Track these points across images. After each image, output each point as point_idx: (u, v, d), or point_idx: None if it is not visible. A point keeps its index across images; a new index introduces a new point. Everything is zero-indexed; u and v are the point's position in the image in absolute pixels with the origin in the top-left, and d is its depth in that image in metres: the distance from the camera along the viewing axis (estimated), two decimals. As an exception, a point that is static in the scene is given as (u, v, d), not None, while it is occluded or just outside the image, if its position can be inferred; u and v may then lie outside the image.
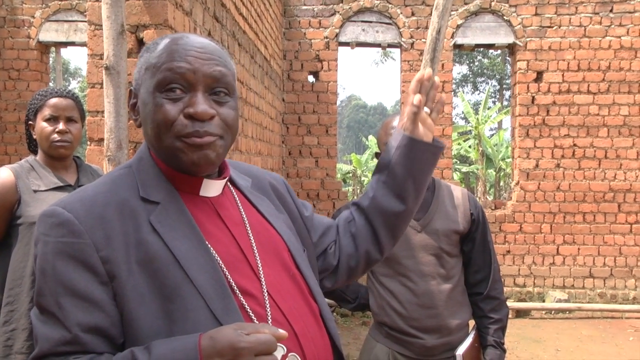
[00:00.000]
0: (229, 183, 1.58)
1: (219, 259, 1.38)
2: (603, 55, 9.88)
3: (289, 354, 1.35)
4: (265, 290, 1.41)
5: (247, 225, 1.51)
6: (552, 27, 9.91)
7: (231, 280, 1.37)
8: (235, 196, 1.57)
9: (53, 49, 10.76)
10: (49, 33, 9.85)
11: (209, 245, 1.39)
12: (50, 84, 11.90)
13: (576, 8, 9.88)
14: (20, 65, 9.78)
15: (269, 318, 1.37)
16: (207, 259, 1.36)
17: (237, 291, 1.37)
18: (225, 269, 1.38)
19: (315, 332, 1.47)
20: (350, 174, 21.47)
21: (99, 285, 1.29)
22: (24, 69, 9.78)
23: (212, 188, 1.50)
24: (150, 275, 1.31)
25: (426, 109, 1.73)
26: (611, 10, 9.88)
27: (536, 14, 9.91)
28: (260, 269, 1.44)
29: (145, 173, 1.45)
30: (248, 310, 1.36)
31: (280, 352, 1.30)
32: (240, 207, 1.55)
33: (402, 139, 1.71)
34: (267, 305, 1.39)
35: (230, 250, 1.43)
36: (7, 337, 2.75)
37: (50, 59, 11.36)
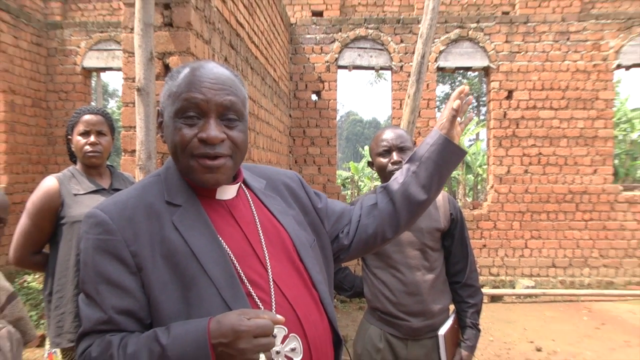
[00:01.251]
0: (243, 185, 1.60)
1: (230, 253, 1.42)
2: (562, 77, 9.95)
3: (290, 335, 1.39)
4: (271, 280, 1.43)
5: (258, 224, 1.53)
6: (520, 52, 9.95)
7: (240, 272, 1.40)
8: (249, 197, 1.59)
9: (94, 73, 10.86)
10: (92, 60, 10.10)
11: (222, 242, 1.43)
12: (92, 104, 11.97)
13: (540, 37, 9.95)
14: (67, 88, 10.02)
15: (273, 304, 1.40)
16: (220, 253, 1.40)
17: (246, 281, 1.40)
18: (235, 262, 1.41)
19: (316, 316, 1.49)
20: (349, 180, 21.47)
21: (129, 275, 1.35)
22: (71, 91, 10.02)
23: (226, 192, 1.53)
24: (171, 267, 1.36)
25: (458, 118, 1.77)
26: (568, 39, 9.96)
27: (507, 42, 9.95)
28: (268, 261, 1.46)
29: (171, 181, 1.49)
30: (255, 297, 1.39)
31: (281, 332, 1.36)
32: (253, 208, 1.56)
33: (439, 138, 1.73)
34: (272, 293, 1.42)
35: (241, 246, 1.46)
36: (58, 319, 2.78)
37: (92, 82, 11.43)
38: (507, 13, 10.48)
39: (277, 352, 1.36)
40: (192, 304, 1.34)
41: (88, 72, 10.36)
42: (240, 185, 1.58)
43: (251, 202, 1.58)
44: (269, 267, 1.45)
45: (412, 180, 1.74)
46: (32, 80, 9.59)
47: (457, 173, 19.54)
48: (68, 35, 10.05)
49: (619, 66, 10.10)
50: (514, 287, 9.69)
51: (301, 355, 1.39)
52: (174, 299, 1.34)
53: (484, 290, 9.15)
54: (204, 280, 1.35)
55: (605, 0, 10.55)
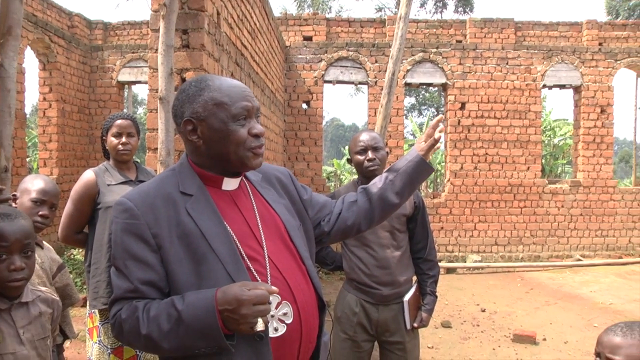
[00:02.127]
0: (244, 179, 1.58)
1: (233, 234, 1.41)
2: (503, 93, 10.01)
3: (283, 301, 1.39)
4: (266, 256, 1.43)
5: (256, 210, 1.51)
6: (471, 72, 9.97)
7: (241, 249, 1.40)
8: (249, 188, 1.57)
9: (127, 86, 10.87)
10: (124, 75, 10.19)
11: (227, 225, 1.42)
12: (124, 110, 12.01)
13: (485, 61, 10.01)
14: (105, 97, 10.16)
15: (269, 276, 1.40)
16: (224, 235, 1.39)
17: (246, 257, 1.40)
18: (237, 242, 1.41)
19: (304, 285, 1.49)
20: (333, 174, 21.42)
21: (151, 252, 1.36)
22: (108, 100, 10.17)
23: (230, 184, 1.51)
24: (185, 246, 1.37)
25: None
26: (507, 64, 10.05)
27: (460, 64, 9.96)
28: (264, 241, 1.45)
29: (184, 174, 1.47)
30: (253, 270, 1.39)
31: (275, 299, 1.38)
32: (252, 197, 1.55)
33: (416, 157, 1.73)
34: (268, 267, 1.42)
35: (241, 228, 1.45)
36: (94, 286, 2.76)
37: (125, 93, 11.48)
38: (460, 41, 10.47)
39: (272, 316, 1.36)
40: (203, 277, 1.35)
41: (122, 85, 10.43)
42: (241, 178, 1.55)
43: (250, 193, 1.56)
44: (264, 246, 1.44)
45: (388, 187, 1.73)
46: (78, 92, 9.74)
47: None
48: (107, 55, 10.16)
49: (544, 86, 10.26)
50: (465, 261, 9.72)
51: (292, 318, 1.39)
52: (187, 272, 1.35)
53: (442, 264, 9.16)
54: (212, 257, 1.35)
55: (533, 35, 10.63)
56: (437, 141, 1.72)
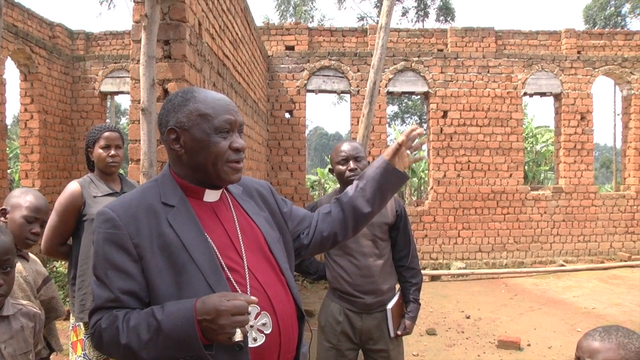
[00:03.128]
0: (225, 191, 1.58)
1: (213, 245, 1.42)
2: (485, 101, 10.12)
3: (261, 312, 1.40)
4: (246, 267, 1.44)
5: (236, 222, 1.52)
6: (452, 81, 10.07)
7: (221, 260, 1.40)
8: (229, 200, 1.58)
9: (109, 96, 10.82)
10: (107, 85, 10.14)
11: (207, 236, 1.42)
12: (107, 121, 11.98)
13: (467, 69, 10.13)
14: (87, 108, 10.10)
15: (248, 287, 1.41)
16: (205, 246, 1.40)
17: (225, 268, 1.40)
18: (217, 253, 1.41)
19: (283, 296, 1.49)
20: (317, 182, 21.43)
21: (132, 262, 1.36)
22: (90, 110, 10.10)
23: (211, 195, 1.52)
24: (166, 256, 1.37)
25: (408, 151, 1.74)
26: (488, 72, 10.18)
27: (442, 72, 10.06)
28: (244, 252, 1.46)
29: (166, 185, 1.48)
30: (233, 281, 1.39)
31: (254, 310, 1.38)
32: (232, 209, 1.56)
33: (383, 162, 1.71)
34: (247, 278, 1.42)
35: (222, 240, 1.45)
36: (81, 298, 2.75)
37: (108, 103, 11.40)
38: (441, 50, 10.56)
39: (251, 326, 1.36)
40: (183, 287, 1.35)
41: (104, 96, 10.37)
42: (222, 190, 1.56)
43: (231, 205, 1.57)
44: (244, 257, 1.45)
45: (359, 195, 1.72)
46: (60, 102, 9.67)
47: (404, 177, 19.68)
48: (89, 65, 10.12)
49: (525, 94, 10.39)
50: (449, 268, 9.75)
51: (271, 329, 1.40)
52: (168, 283, 1.35)
53: (426, 271, 9.21)
54: (193, 268, 1.36)
55: (514, 43, 10.77)
56: (399, 145, 1.71)
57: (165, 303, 1.31)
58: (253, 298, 1.30)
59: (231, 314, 1.24)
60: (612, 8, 25.93)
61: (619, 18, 25.95)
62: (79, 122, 9.97)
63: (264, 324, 1.39)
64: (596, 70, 10.38)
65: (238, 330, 1.25)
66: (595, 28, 24.52)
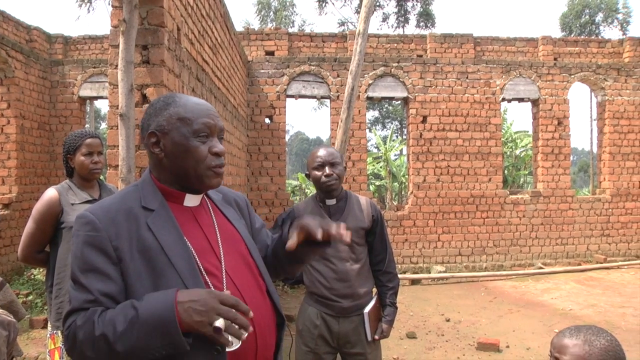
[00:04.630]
0: (205, 197, 1.60)
1: (192, 249, 1.42)
2: (464, 106, 10.22)
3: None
4: (224, 271, 1.45)
5: (216, 227, 1.54)
6: (432, 86, 10.16)
7: (200, 264, 1.41)
8: (209, 206, 1.59)
9: (89, 101, 10.70)
10: (86, 90, 10.05)
11: (186, 240, 1.43)
12: (87, 126, 11.88)
13: (446, 75, 10.22)
14: (66, 113, 9.99)
15: (225, 290, 1.41)
16: (184, 250, 1.41)
17: (204, 272, 1.41)
18: (196, 257, 1.42)
19: (261, 300, 1.51)
20: (298, 187, 21.42)
21: (111, 265, 1.36)
22: (69, 115, 9.99)
23: (191, 200, 1.53)
24: (145, 260, 1.37)
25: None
26: (467, 78, 10.28)
27: (421, 78, 10.14)
28: (222, 256, 1.47)
29: (147, 189, 1.49)
30: (211, 285, 1.40)
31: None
32: (212, 214, 1.57)
33: (281, 249, 1.64)
34: (225, 281, 1.44)
35: (201, 244, 1.46)
36: (57, 306, 2.73)
37: (87, 108, 11.31)
38: (420, 56, 10.66)
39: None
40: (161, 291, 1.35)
41: (83, 100, 10.27)
42: (202, 196, 1.58)
43: (211, 210, 1.58)
44: (222, 261, 1.47)
45: (278, 247, 1.69)
46: (38, 107, 9.54)
47: (386, 182, 19.74)
48: (67, 70, 10.00)
49: (503, 99, 10.50)
50: (429, 272, 9.80)
51: (246, 334, 1.38)
52: (146, 286, 1.35)
53: (406, 275, 9.27)
54: (171, 271, 1.36)
55: (492, 50, 10.93)
56: (292, 249, 1.53)
57: (146, 295, 1.32)
58: (244, 306, 1.30)
59: (219, 300, 1.26)
60: (587, 17, 26.42)
61: (593, 26, 26.47)
62: (58, 127, 9.85)
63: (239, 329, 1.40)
64: (572, 76, 10.56)
65: (221, 319, 1.25)
66: (571, 35, 24.94)
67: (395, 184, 19.93)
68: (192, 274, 1.38)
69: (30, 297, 7.25)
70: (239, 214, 1.69)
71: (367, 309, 2.78)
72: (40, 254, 2.87)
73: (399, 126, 30.70)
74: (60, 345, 2.75)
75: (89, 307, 1.33)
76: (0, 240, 8.12)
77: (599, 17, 26.44)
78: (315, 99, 10.37)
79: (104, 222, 1.39)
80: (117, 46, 3.64)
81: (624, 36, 15.56)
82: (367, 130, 10.41)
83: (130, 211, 1.42)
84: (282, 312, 1.58)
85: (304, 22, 30.90)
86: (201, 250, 1.44)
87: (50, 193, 2.82)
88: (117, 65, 3.65)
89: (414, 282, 9.13)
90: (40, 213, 2.78)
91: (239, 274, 1.49)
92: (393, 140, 20.41)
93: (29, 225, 2.81)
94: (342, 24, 26.99)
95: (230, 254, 1.50)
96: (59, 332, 2.75)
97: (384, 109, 31.03)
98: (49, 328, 2.82)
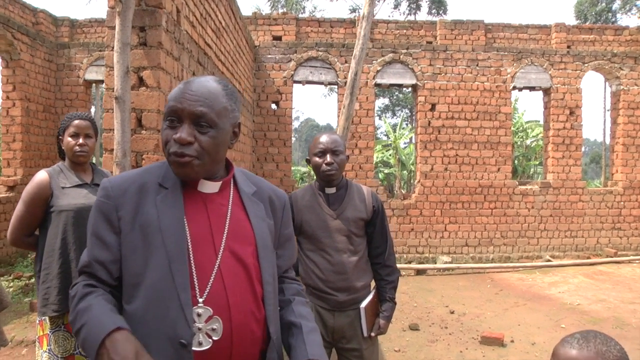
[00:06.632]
0: (233, 187, 1.54)
1: (189, 236, 1.38)
2: (474, 94, 10.05)
3: (214, 316, 1.34)
4: (216, 267, 1.38)
5: (228, 219, 1.46)
6: (441, 74, 9.99)
7: (192, 253, 1.37)
8: (231, 197, 1.51)
9: (94, 85, 10.65)
10: (92, 74, 10.08)
11: (186, 225, 1.39)
12: (92, 109, 11.92)
13: (456, 62, 10.04)
14: (72, 96, 10.03)
15: (209, 285, 1.36)
16: (180, 234, 1.37)
17: (192, 261, 1.37)
18: (190, 244, 1.38)
19: (251, 308, 1.41)
20: (306, 174, 21.38)
21: (112, 233, 1.40)
22: (75, 99, 10.03)
23: (207, 186, 1.47)
24: (143, 235, 1.37)
25: None
26: (477, 65, 10.10)
27: (430, 65, 9.97)
28: (221, 251, 1.41)
29: (169, 168, 1.46)
30: (194, 275, 1.35)
31: (207, 313, 1.33)
32: (230, 206, 1.49)
33: None
34: (212, 278, 1.37)
35: (202, 232, 1.41)
36: (44, 292, 2.66)
37: (93, 91, 11.34)
38: (430, 42, 10.50)
39: (199, 329, 1.32)
40: (149, 268, 1.35)
41: (89, 84, 10.27)
42: (230, 184, 1.53)
43: (231, 201, 1.50)
44: (219, 256, 1.40)
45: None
46: (44, 90, 9.56)
47: (395, 170, 19.64)
48: (73, 53, 10.02)
49: (514, 88, 10.32)
50: (435, 263, 9.70)
51: (220, 336, 1.33)
52: (139, 261, 1.36)
53: (411, 265, 9.18)
54: (162, 252, 1.34)
55: (503, 37, 10.73)
56: None
57: (107, 310, 1.31)
58: None
59: None
60: (603, 4, 25.99)
61: (610, 14, 26.03)
62: (63, 110, 9.85)
63: (213, 329, 1.33)
64: (586, 65, 10.33)
65: None
66: (587, 24, 24.56)
67: (405, 172, 19.83)
68: (179, 258, 1.35)
69: (33, 280, 7.24)
70: (269, 213, 1.57)
71: (363, 304, 2.66)
72: (29, 238, 2.80)
73: (409, 114, 30.48)
74: (49, 332, 2.67)
75: (85, 270, 1.41)
76: (5, 223, 8.11)
77: (616, 4, 25.97)
78: (323, 85, 10.26)
79: (115, 191, 1.42)
80: (114, 27, 3.54)
81: (641, 25, 15.24)
82: (377, 118, 10.28)
83: (144, 185, 1.43)
84: (271, 327, 1.45)
85: (315, 8, 30.69)
86: (199, 240, 1.40)
87: (41, 176, 2.74)
88: (113, 47, 3.55)
89: (419, 272, 9.03)
90: (29, 195, 2.70)
91: (233, 273, 1.40)
92: (403, 128, 20.25)
93: (19, 207, 2.73)
94: (353, 10, 26.75)
95: (232, 251, 1.42)
96: (47, 319, 2.68)
97: (394, 97, 30.78)
98: (38, 314, 2.74)
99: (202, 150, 1.38)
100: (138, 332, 1.29)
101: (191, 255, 1.36)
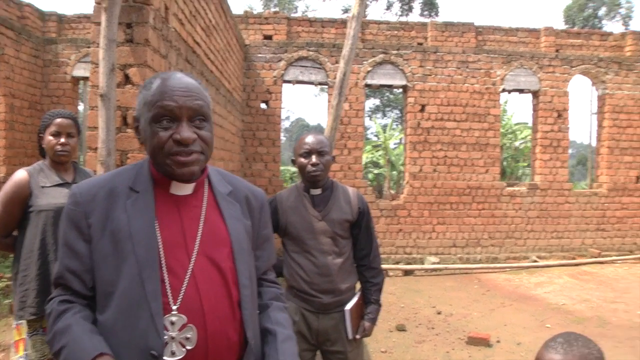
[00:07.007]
0: (208, 188, 1.47)
1: (160, 241, 1.32)
2: (463, 96, 10.07)
3: (188, 325, 1.28)
4: (189, 272, 1.32)
5: (202, 222, 1.40)
6: (431, 75, 9.99)
7: (163, 259, 1.31)
8: (205, 199, 1.45)
9: (82, 82, 10.48)
10: (79, 70, 9.84)
11: (158, 230, 1.33)
12: (79, 107, 11.70)
13: (446, 64, 10.05)
14: (59, 93, 9.81)
15: (182, 292, 1.30)
16: (151, 239, 1.31)
17: (164, 267, 1.30)
18: (162, 250, 1.31)
19: (226, 313, 1.35)
20: (296, 174, 21.37)
21: (82, 241, 1.34)
22: (62, 95, 9.81)
23: (180, 188, 1.41)
24: (114, 242, 1.31)
25: None
26: (467, 67, 10.12)
27: (420, 66, 9.97)
28: (195, 255, 1.34)
29: (142, 171, 1.42)
30: (166, 282, 1.29)
31: (181, 321, 1.27)
32: (204, 208, 1.43)
33: None
34: (186, 283, 1.31)
35: (174, 237, 1.35)
36: (22, 295, 2.58)
37: (80, 88, 11.13)
38: (421, 44, 10.50)
39: (172, 338, 1.26)
40: (121, 276, 1.29)
41: (76, 80, 10.05)
42: (204, 184, 1.46)
43: (205, 203, 1.44)
44: (192, 261, 1.33)
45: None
46: (29, 87, 9.34)
47: (384, 170, 19.65)
48: (61, 49, 9.79)
49: (503, 90, 10.34)
50: (423, 263, 9.69)
51: (194, 345, 1.28)
52: (110, 269, 1.30)
53: (400, 266, 9.18)
54: (132, 259, 1.29)
55: (494, 39, 10.76)
56: None
57: (89, 334, 1.27)
58: None
59: None
60: (590, 10, 26.29)
61: (596, 20, 26.34)
62: (50, 107, 9.56)
63: (187, 338, 1.27)
64: (573, 68, 10.39)
65: None
66: (575, 28, 24.78)
67: (394, 172, 19.83)
68: (150, 266, 1.28)
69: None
70: (245, 214, 1.51)
71: (348, 306, 2.63)
72: (7, 238, 2.72)
73: (400, 115, 30.52)
74: (25, 337, 2.59)
75: (58, 282, 1.36)
76: (-13, 221, 7.95)
77: (602, 11, 26.29)
78: (313, 85, 10.22)
79: (84, 197, 1.36)
80: (100, 23, 3.47)
81: (626, 30, 15.36)
82: (368, 119, 10.26)
83: (113, 190, 1.37)
84: (247, 332, 1.39)
85: (307, 8, 30.65)
86: (171, 244, 1.33)
87: (20, 175, 2.67)
88: (99, 44, 3.49)
89: (407, 272, 9.02)
90: (7, 195, 2.62)
91: (207, 278, 1.34)
92: (393, 129, 20.28)
93: None
94: (345, 11, 26.75)
95: (206, 255, 1.36)
96: (24, 323, 2.60)
97: (385, 97, 30.79)
98: (15, 318, 2.66)
99: (205, 145, 1.37)
100: (109, 342, 1.25)
101: (163, 261, 1.30)
